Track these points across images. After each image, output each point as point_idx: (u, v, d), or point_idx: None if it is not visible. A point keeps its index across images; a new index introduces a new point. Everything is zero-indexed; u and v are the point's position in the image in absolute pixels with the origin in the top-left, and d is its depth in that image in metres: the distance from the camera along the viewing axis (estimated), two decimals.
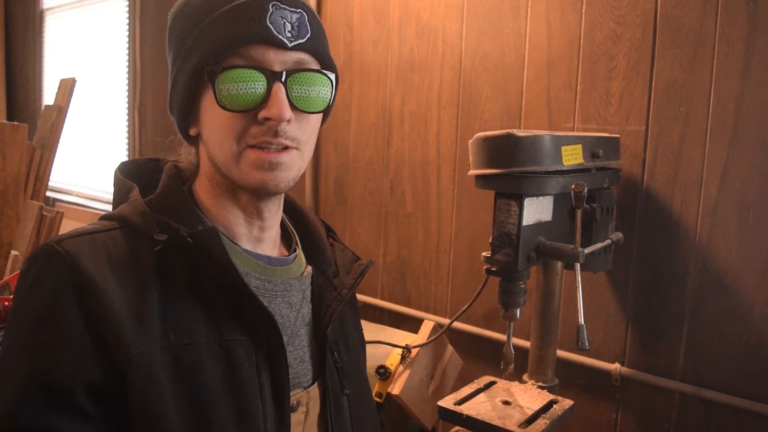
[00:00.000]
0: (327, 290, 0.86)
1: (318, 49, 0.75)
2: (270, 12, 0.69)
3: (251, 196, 0.77)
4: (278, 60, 0.71)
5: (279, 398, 0.73)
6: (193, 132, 0.78)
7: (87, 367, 0.64)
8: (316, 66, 0.75)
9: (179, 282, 0.71)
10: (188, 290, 0.71)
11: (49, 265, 0.67)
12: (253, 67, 0.69)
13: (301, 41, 0.72)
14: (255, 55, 0.70)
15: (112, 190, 0.81)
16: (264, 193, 0.75)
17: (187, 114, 0.76)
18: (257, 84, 0.69)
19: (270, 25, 0.69)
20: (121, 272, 0.68)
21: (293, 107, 0.72)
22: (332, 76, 0.76)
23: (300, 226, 0.91)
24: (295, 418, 0.77)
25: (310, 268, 0.86)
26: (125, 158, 3.29)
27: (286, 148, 0.72)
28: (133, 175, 0.81)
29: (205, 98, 0.73)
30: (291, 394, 0.76)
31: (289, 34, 0.71)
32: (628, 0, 1.39)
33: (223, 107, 0.69)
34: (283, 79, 0.70)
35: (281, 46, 0.70)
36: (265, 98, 0.70)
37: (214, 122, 0.72)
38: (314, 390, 0.80)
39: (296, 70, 0.72)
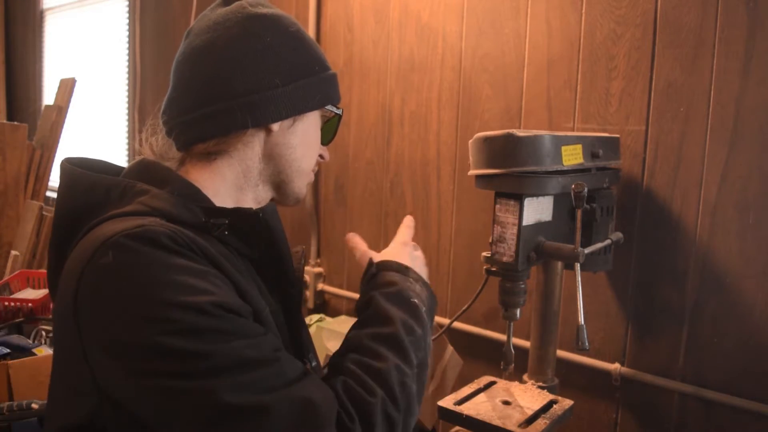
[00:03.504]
0: None
1: None
2: None
3: (271, 196, 0.88)
4: None
5: (300, 359, 0.82)
6: (275, 127, 0.82)
7: (245, 304, 0.70)
8: None
9: (234, 260, 0.76)
10: (241, 266, 0.77)
11: (164, 239, 0.66)
12: None
13: None
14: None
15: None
16: (295, 203, 0.90)
17: (291, 114, 0.82)
18: None
19: None
20: (205, 252, 0.70)
21: None
22: None
23: None
24: None
25: None
26: (125, 158, 3.29)
27: None
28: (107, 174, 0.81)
29: (315, 118, 0.87)
30: None
31: None
32: (628, 0, 1.39)
33: (332, 138, 0.93)
34: None
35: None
36: None
37: (315, 141, 0.89)
38: None
39: None
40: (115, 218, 0.71)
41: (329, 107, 0.88)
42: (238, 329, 0.65)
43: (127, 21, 3.03)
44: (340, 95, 0.91)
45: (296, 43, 0.83)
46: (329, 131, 0.92)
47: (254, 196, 0.85)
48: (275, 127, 0.82)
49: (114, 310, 0.64)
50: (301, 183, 0.88)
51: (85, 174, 0.77)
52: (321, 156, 0.92)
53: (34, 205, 2.64)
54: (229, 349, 0.63)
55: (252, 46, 0.80)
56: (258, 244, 0.79)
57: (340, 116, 0.92)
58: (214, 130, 0.79)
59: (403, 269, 0.87)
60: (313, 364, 0.91)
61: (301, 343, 0.87)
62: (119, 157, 3.15)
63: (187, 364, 0.62)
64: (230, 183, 0.83)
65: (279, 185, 0.87)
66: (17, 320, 1.78)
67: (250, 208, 0.79)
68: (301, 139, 0.86)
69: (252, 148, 0.82)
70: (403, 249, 0.93)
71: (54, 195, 3.89)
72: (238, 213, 0.77)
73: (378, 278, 0.85)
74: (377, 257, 0.90)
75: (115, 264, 0.64)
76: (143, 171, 0.79)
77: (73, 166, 0.78)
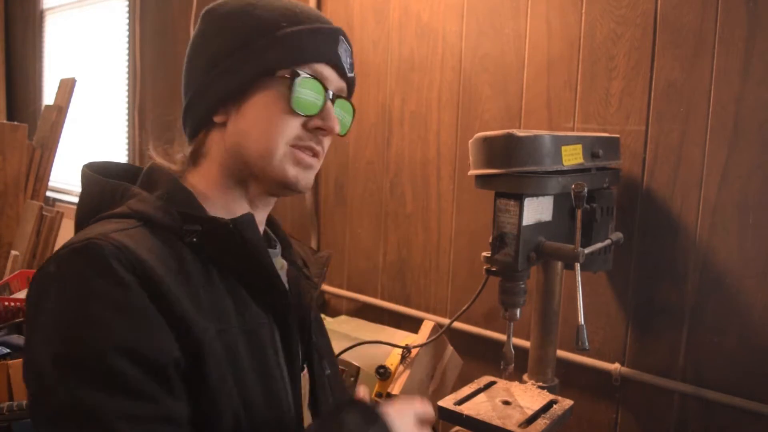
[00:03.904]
0: (302, 280, 0.91)
1: (354, 85, 0.86)
2: (339, 43, 0.81)
3: (265, 191, 0.81)
4: (334, 84, 0.81)
5: (294, 377, 0.79)
6: (219, 119, 0.79)
7: (172, 345, 0.65)
8: (347, 97, 0.86)
9: (209, 271, 0.74)
10: (216, 278, 0.74)
11: (104, 258, 0.65)
12: (321, 82, 0.79)
13: (352, 74, 0.84)
14: (324, 73, 0.79)
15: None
16: (293, 190, 0.80)
17: (225, 101, 0.78)
18: (319, 97, 0.78)
19: (340, 54, 0.81)
20: (166, 263, 0.69)
21: None
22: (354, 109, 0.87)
23: (267, 223, 0.96)
24: None
25: (284, 261, 0.91)
26: (125, 158, 3.29)
27: (315, 154, 0.81)
28: (114, 178, 0.81)
29: (264, 93, 0.77)
30: None
31: (347, 66, 0.82)
32: (628, 0, 1.39)
33: (294, 108, 0.76)
34: (332, 99, 0.81)
35: (342, 73, 0.81)
36: (320, 110, 0.79)
37: (270, 118, 0.77)
38: (305, 374, 0.85)
39: (340, 96, 0.83)
40: (104, 219, 0.73)
41: (281, 71, 0.76)
42: (129, 388, 0.61)
43: (127, 21, 3.03)
44: (306, 50, 0.78)
45: (232, 22, 0.78)
46: (304, 96, 0.77)
47: (243, 194, 0.82)
48: (218, 119, 0.79)
49: (38, 323, 0.65)
50: (275, 166, 0.78)
51: (98, 179, 0.79)
52: (320, 128, 0.79)
53: (34, 205, 2.64)
54: (103, 408, 0.60)
55: (195, 44, 0.82)
56: (233, 254, 0.75)
57: (305, 76, 0.76)
58: (186, 134, 0.83)
59: (370, 418, 0.70)
60: (327, 371, 0.88)
61: (304, 354, 0.84)
62: (119, 157, 3.15)
63: (58, 401, 0.60)
64: (215, 185, 0.81)
65: (258, 177, 0.80)
66: (17, 320, 1.78)
67: (221, 219, 0.74)
68: (253, 121, 0.78)
69: (216, 144, 0.80)
70: (409, 408, 0.77)
71: (54, 195, 3.89)
72: (209, 222, 0.73)
73: (335, 416, 0.71)
74: (365, 399, 0.78)
75: (53, 277, 0.66)
76: (146, 175, 0.81)
77: (90, 171, 0.80)
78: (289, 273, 0.89)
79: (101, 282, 0.64)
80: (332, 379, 0.90)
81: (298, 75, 0.76)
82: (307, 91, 0.77)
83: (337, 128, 0.80)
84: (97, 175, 0.79)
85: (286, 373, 0.78)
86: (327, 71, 0.80)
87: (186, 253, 0.72)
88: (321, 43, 0.79)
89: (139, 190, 0.77)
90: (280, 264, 0.88)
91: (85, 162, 0.82)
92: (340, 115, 0.82)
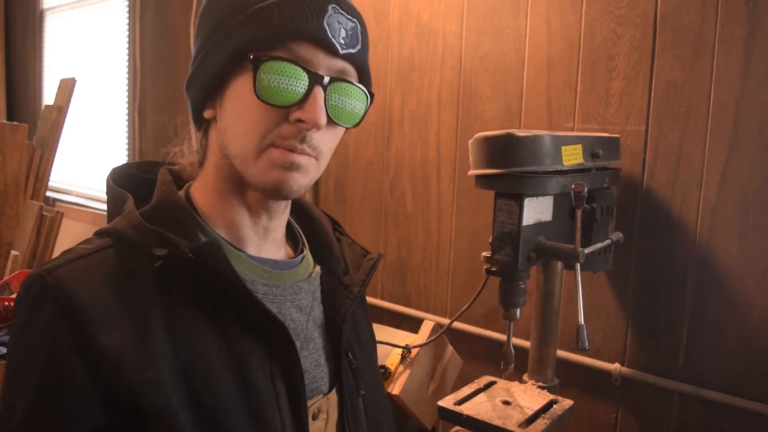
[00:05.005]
0: (338, 290, 0.83)
1: (363, 63, 0.73)
2: (329, 14, 0.67)
3: (260, 196, 0.73)
4: (325, 64, 0.68)
5: (296, 406, 0.71)
6: (208, 114, 0.72)
7: (85, 409, 0.60)
8: (356, 79, 0.72)
9: (183, 297, 0.67)
10: (193, 305, 0.67)
11: (41, 299, 0.63)
12: (299, 64, 0.66)
13: (351, 51, 0.70)
14: (304, 53, 0.66)
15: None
16: (277, 195, 0.70)
17: (209, 94, 0.71)
18: (299, 82, 0.66)
19: (326, 27, 0.67)
20: (120, 294, 0.64)
21: (327, 115, 0.68)
22: (369, 94, 0.73)
23: (305, 224, 0.89)
24: (317, 425, 0.75)
25: (318, 268, 0.83)
26: (125, 158, 3.29)
27: (304, 153, 0.69)
28: (126, 183, 0.76)
29: (237, 83, 0.68)
30: (312, 401, 0.74)
31: (342, 41, 0.68)
32: (628, 0, 1.39)
33: (260, 98, 0.65)
34: (325, 84, 0.67)
35: (332, 50, 0.68)
36: (303, 99, 0.66)
37: (242, 111, 0.68)
38: (333, 396, 0.78)
39: (339, 78, 0.69)
40: (91, 237, 0.71)
41: (252, 57, 0.65)
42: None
43: (127, 21, 3.03)
44: (276, 27, 0.65)
45: (214, 4, 0.71)
46: (274, 83, 0.65)
47: (241, 201, 0.74)
48: (207, 114, 0.72)
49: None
50: (254, 168, 0.68)
51: (109, 184, 0.76)
52: (300, 120, 0.66)
53: (34, 205, 2.64)
54: None
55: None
56: (202, 281, 0.67)
57: (273, 59, 0.65)
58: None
59: None
60: (362, 392, 0.81)
61: (334, 374, 0.76)
62: (119, 157, 3.15)
63: None
64: (212, 191, 0.74)
65: (244, 179, 0.71)
66: None
67: (183, 245, 0.65)
68: (230, 115, 0.69)
69: (212, 144, 0.74)
70: None
71: (54, 195, 3.88)
72: (174, 246, 0.65)
73: None
74: None
75: (16, 306, 0.65)
76: (154, 181, 0.77)
77: (108, 178, 0.76)
78: (324, 281, 0.82)
79: (30, 336, 0.63)
80: (368, 399, 0.82)
81: (263, 58, 0.64)
82: (275, 77, 0.64)
83: (321, 120, 0.66)
84: (109, 180, 0.76)
85: (286, 400, 0.70)
86: (308, 50, 0.66)
87: (154, 279, 0.65)
88: (297, 16, 0.65)
89: (131, 202, 0.71)
90: (306, 272, 0.81)
91: (114, 165, 0.79)
92: (337, 101, 0.69)
